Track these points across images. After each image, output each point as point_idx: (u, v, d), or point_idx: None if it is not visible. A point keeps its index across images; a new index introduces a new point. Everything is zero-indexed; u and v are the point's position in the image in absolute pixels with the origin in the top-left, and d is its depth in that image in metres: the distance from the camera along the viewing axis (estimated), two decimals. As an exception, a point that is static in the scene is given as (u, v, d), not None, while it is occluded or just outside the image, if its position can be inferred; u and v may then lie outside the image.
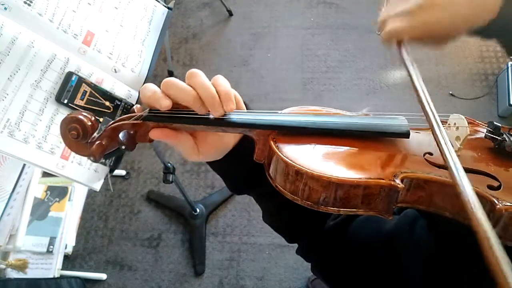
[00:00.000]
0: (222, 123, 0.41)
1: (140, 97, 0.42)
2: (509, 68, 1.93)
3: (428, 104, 0.39)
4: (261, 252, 1.71)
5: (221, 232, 1.76)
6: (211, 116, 0.41)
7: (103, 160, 0.40)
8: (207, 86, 0.39)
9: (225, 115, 0.41)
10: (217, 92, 0.40)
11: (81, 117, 0.40)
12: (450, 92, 2.02)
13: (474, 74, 2.08)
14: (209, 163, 0.50)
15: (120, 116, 0.79)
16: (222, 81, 0.41)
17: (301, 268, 1.66)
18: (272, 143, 0.41)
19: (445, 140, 0.35)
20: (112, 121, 0.42)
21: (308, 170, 0.37)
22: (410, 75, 0.43)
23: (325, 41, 2.21)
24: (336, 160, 0.39)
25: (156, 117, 0.41)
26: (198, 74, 0.40)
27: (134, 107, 0.43)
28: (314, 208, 0.38)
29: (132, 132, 0.41)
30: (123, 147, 0.40)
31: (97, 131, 0.41)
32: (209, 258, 1.70)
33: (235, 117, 0.42)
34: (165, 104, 0.39)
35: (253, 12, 2.31)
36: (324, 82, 2.10)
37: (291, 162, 0.38)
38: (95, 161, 0.40)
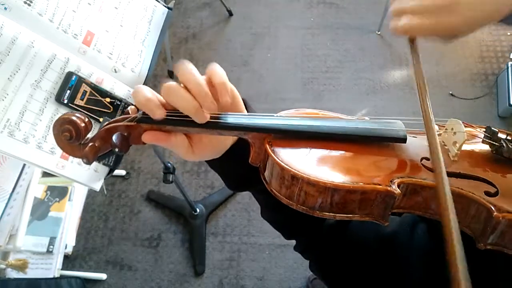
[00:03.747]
0: (217, 126, 0.40)
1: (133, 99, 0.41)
2: (509, 68, 1.93)
3: (427, 102, 0.39)
4: (261, 252, 1.71)
5: (221, 232, 1.76)
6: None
7: (98, 162, 0.40)
8: (198, 82, 0.38)
9: (220, 117, 0.41)
10: (212, 82, 0.39)
11: (74, 118, 0.39)
12: (450, 92, 2.02)
13: (474, 74, 2.08)
14: (208, 161, 0.49)
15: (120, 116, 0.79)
16: (218, 70, 0.39)
17: (301, 268, 1.66)
18: (267, 146, 0.40)
19: (435, 140, 0.35)
20: (106, 123, 0.41)
21: (304, 175, 0.36)
22: (416, 72, 0.43)
23: (325, 41, 2.21)
24: (332, 165, 0.39)
25: (150, 119, 0.40)
26: (189, 69, 0.39)
27: (129, 108, 0.43)
28: (309, 213, 0.38)
29: (125, 134, 0.41)
30: (116, 149, 0.40)
31: (91, 132, 0.40)
32: (209, 258, 1.70)
33: (230, 120, 0.41)
34: (159, 116, 0.39)
35: (253, 12, 2.31)
36: (324, 82, 2.10)
37: (286, 166, 0.37)
38: (88, 163, 0.40)
